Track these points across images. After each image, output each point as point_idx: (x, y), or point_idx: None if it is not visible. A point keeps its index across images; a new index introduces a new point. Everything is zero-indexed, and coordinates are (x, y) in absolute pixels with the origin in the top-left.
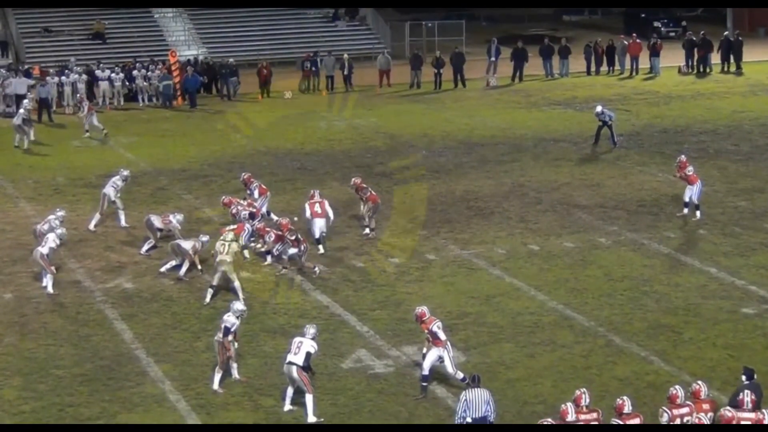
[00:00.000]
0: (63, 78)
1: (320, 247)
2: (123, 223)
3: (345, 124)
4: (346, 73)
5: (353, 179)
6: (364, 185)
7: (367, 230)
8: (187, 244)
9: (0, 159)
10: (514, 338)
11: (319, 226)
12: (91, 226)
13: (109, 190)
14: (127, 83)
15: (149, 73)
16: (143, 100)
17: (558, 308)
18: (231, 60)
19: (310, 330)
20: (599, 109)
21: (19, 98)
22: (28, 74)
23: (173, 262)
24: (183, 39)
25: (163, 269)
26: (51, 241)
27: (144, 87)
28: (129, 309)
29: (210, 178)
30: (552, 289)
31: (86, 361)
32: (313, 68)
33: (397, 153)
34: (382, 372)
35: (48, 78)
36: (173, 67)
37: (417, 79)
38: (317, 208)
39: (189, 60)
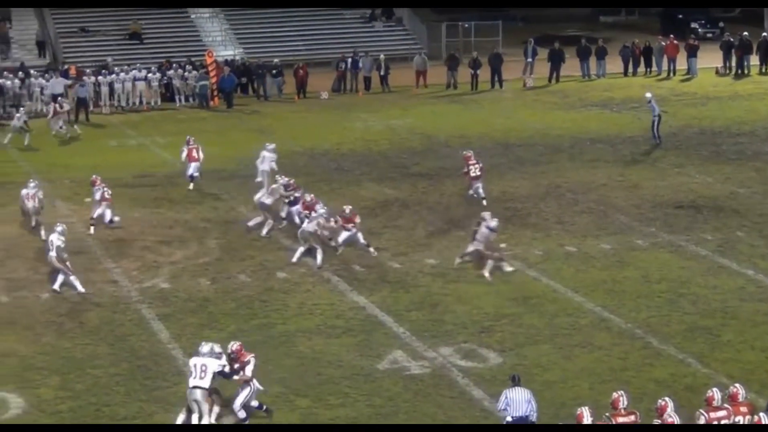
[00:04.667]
0: (100, 78)
1: (191, 185)
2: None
3: (381, 125)
4: (382, 73)
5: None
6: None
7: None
8: (311, 226)
9: (36, 158)
10: (551, 340)
11: (194, 167)
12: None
13: (267, 166)
14: (165, 83)
15: (186, 73)
16: (180, 101)
17: (595, 310)
18: (276, 60)
19: (204, 348)
20: (649, 95)
21: (56, 98)
22: (65, 74)
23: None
24: (219, 39)
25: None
26: (57, 241)
27: (181, 87)
28: (165, 309)
29: (246, 178)
30: (589, 291)
31: (123, 360)
32: (352, 69)
33: (434, 153)
34: (418, 373)
35: (85, 78)
36: (210, 68)
37: (453, 79)
38: (194, 153)
39: (226, 60)
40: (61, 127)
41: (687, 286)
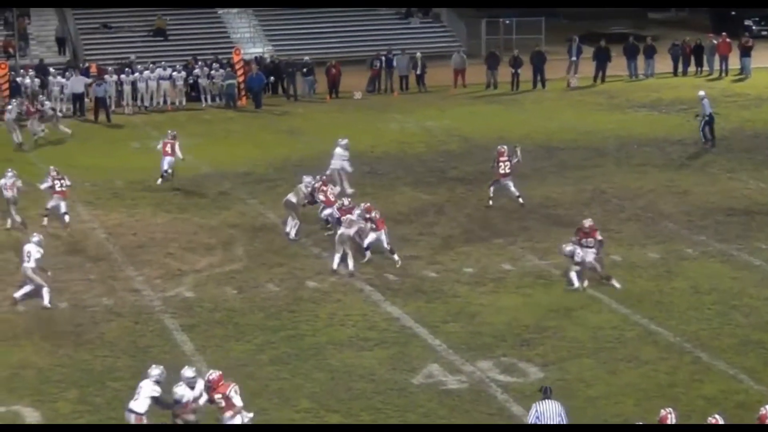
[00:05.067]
0: (122, 76)
1: (160, 179)
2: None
3: (417, 126)
4: (419, 72)
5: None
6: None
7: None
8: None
9: (56, 161)
10: (595, 354)
11: (168, 162)
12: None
13: (338, 163)
14: (190, 82)
15: (212, 71)
16: (206, 100)
17: (642, 322)
18: (306, 58)
19: (154, 371)
20: (702, 93)
21: (77, 98)
22: (85, 72)
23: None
24: (248, 36)
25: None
26: (35, 252)
27: (207, 86)
28: (190, 319)
29: (275, 182)
30: (635, 302)
31: (145, 373)
32: (387, 68)
33: (472, 157)
34: (455, 388)
35: (106, 76)
36: (237, 66)
37: (493, 79)
38: (168, 148)
39: (255, 58)
40: (43, 130)
41: (739, 298)
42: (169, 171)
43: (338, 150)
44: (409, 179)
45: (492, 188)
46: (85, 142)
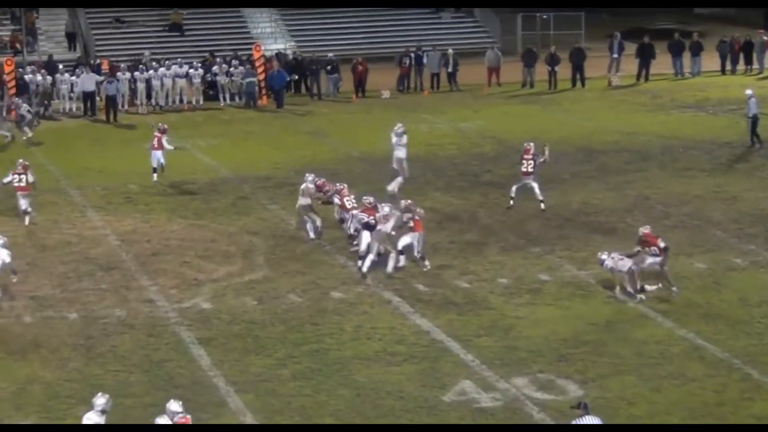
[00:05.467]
0: (136, 74)
1: (154, 176)
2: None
3: (449, 127)
4: (450, 70)
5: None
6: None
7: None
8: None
9: (66, 163)
10: (638, 370)
11: (155, 157)
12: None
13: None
14: (208, 80)
15: (231, 69)
16: (224, 99)
17: (688, 337)
18: (330, 55)
19: (99, 400)
20: (749, 92)
21: (87, 96)
22: (97, 69)
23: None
24: (269, 31)
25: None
26: (6, 257)
27: (225, 84)
28: (207, 332)
29: (297, 186)
30: (681, 316)
31: (159, 389)
32: (417, 65)
33: (507, 160)
34: (488, 406)
35: (119, 74)
36: (258, 63)
37: (530, 77)
38: (155, 142)
39: (276, 54)
40: (6, 136)
41: None
42: (162, 162)
43: (393, 138)
44: (440, 183)
45: (514, 188)
46: (96, 144)
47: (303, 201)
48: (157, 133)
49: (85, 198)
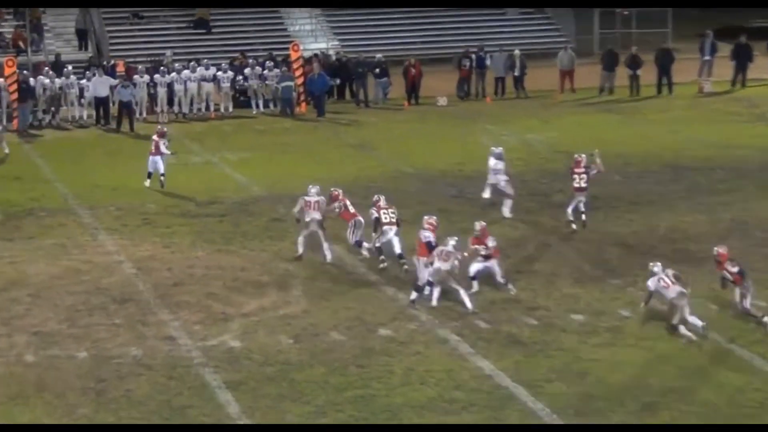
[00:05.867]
0: (156, 77)
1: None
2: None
3: (515, 140)
4: (517, 74)
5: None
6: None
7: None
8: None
9: (76, 179)
10: (733, 420)
11: (152, 162)
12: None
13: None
14: (238, 84)
15: (265, 71)
16: (257, 106)
17: None
18: (379, 56)
19: None
20: None
21: (100, 102)
22: (111, 72)
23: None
24: (309, 29)
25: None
26: None
27: (258, 89)
28: (236, 374)
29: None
30: None
31: None
32: (478, 68)
33: None
34: None
35: (136, 77)
36: (295, 65)
37: (609, 82)
38: (153, 146)
39: (317, 55)
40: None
41: None
42: (160, 173)
43: (491, 161)
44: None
45: (570, 209)
46: (110, 157)
47: (315, 215)
48: (155, 137)
49: (97, 219)
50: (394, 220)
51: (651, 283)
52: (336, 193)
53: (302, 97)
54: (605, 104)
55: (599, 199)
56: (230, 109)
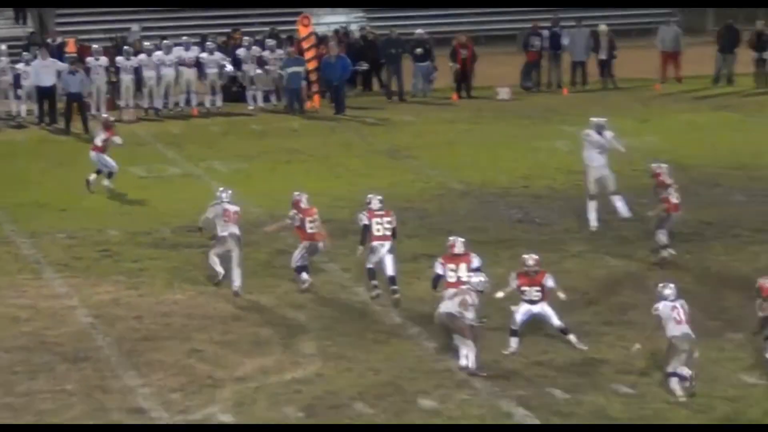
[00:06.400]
0: (119, 60)
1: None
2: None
3: None
4: (604, 57)
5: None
6: None
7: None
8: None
9: (12, 197)
10: None
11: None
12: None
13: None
14: (229, 70)
15: (265, 53)
16: (255, 100)
17: None
18: (419, 31)
19: None
20: None
21: (43, 93)
22: (58, 54)
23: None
24: None
25: None
26: None
27: (256, 77)
28: None
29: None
30: None
31: None
32: (551, 49)
33: (693, 197)
34: None
35: (90, 60)
36: (305, 45)
37: (727, 68)
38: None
39: (335, 32)
40: None
41: None
42: (103, 173)
43: (591, 136)
44: (586, 233)
45: (661, 233)
46: (58, 168)
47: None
48: (100, 130)
49: (41, 251)
50: (388, 233)
51: (661, 308)
52: (298, 198)
53: (315, 88)
54: (722, 98)
55: (714, 226)
56: (218, 104)
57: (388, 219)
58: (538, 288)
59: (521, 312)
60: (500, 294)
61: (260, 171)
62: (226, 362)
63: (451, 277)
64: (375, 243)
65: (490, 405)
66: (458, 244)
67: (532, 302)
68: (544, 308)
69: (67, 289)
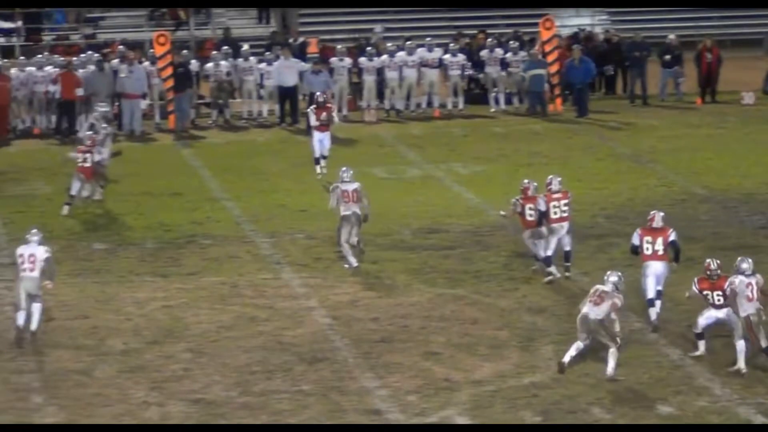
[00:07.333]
0: (362, 60)
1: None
2: None
3: None
4: None
5: None
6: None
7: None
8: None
9: (252, 197)
10: None
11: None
12: None
13: None
14: (473, 72)
15: (508, 55)
16: (496, 102)
17: None
18: (671, 36)
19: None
20: None
21: (285, 93)
22: (300, 54)
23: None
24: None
25: None
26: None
27: (498, 79)
28: None
29: (607, 238)
30: None
31: None
32: None
33: None
34: None
35: (334, 60)
36: (548, 47)
37: None
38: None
39: (576, 34)
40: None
41: None
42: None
43: None
44: None
45: None
46: (299, 168)
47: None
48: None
49: (280, 251)
50: (566, 215)
51: (737, 283)
52: (527, 186)
53: (557, 91)
54: None
55: None
56: (461, 106)
57: (565, 201)
58: (719, 292)
59: (705, 316)
60: (686, 294)
61: (500, 173)
62: (463, 365)
63: (647, 250)
64: (554, 225)
65: (729, 412)
66: (657, 218)
67: (716, 307)
68: (729, 315)
69: (306, 289)
